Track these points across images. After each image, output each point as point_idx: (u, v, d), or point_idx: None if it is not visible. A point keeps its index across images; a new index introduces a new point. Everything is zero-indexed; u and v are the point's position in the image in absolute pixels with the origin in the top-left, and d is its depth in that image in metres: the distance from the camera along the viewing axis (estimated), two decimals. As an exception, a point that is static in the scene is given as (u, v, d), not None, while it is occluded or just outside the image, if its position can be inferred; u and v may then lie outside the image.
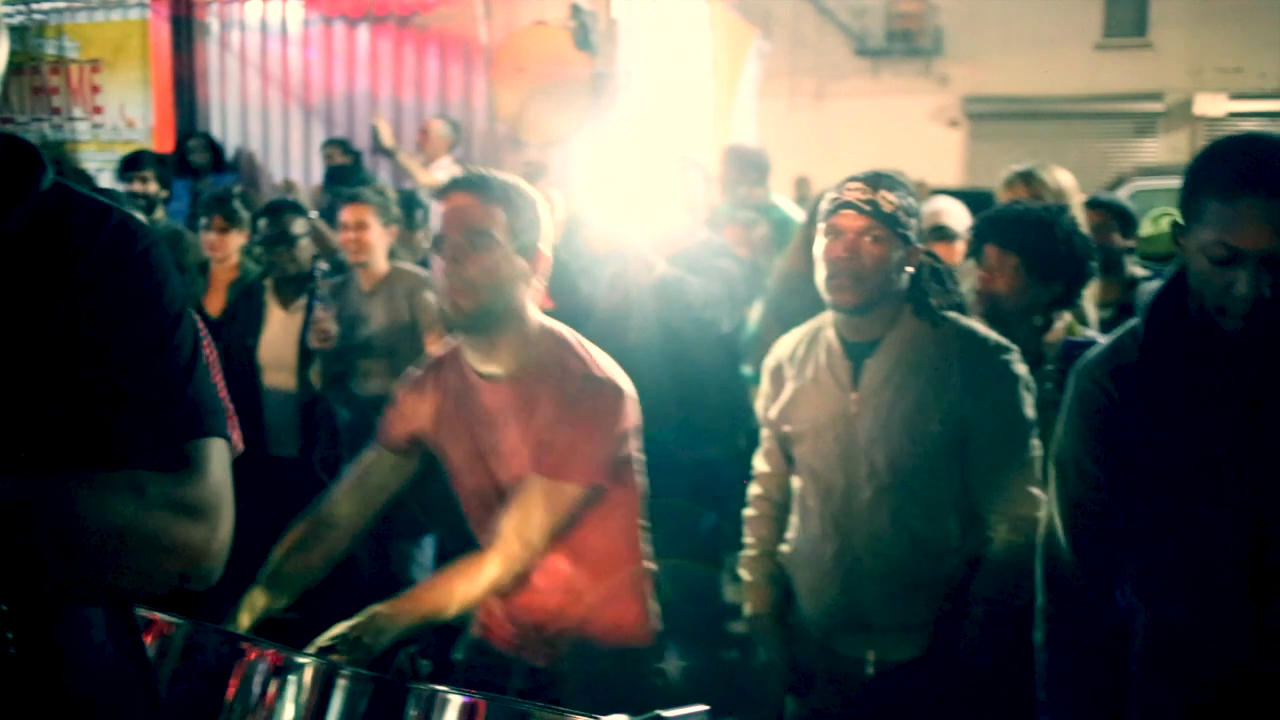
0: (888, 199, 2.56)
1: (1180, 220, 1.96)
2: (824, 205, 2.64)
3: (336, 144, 7.72)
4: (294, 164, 8.39)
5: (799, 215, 6.19)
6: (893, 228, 2.57)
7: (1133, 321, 2.11)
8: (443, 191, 2.39)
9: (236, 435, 3.07)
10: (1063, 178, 3.95)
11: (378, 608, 2.24)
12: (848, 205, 2.56)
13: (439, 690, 1.90)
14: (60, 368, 1.29)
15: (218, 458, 1.35)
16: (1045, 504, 2.33)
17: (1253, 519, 1.97)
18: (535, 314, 2.45)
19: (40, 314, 1.30)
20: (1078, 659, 2.17)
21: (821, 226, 2.62)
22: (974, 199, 5.11)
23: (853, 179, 2.60)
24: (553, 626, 2.51)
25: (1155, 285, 2.10)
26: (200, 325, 1.60)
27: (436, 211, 2.38)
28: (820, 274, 2.61)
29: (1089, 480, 2.13)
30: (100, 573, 1.26)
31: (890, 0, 19.19)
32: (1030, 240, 2.98)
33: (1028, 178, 3.94)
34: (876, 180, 2.59)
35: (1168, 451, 2.02)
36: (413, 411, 2.56)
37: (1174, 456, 2.02)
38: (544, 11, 7.69)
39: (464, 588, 2.34)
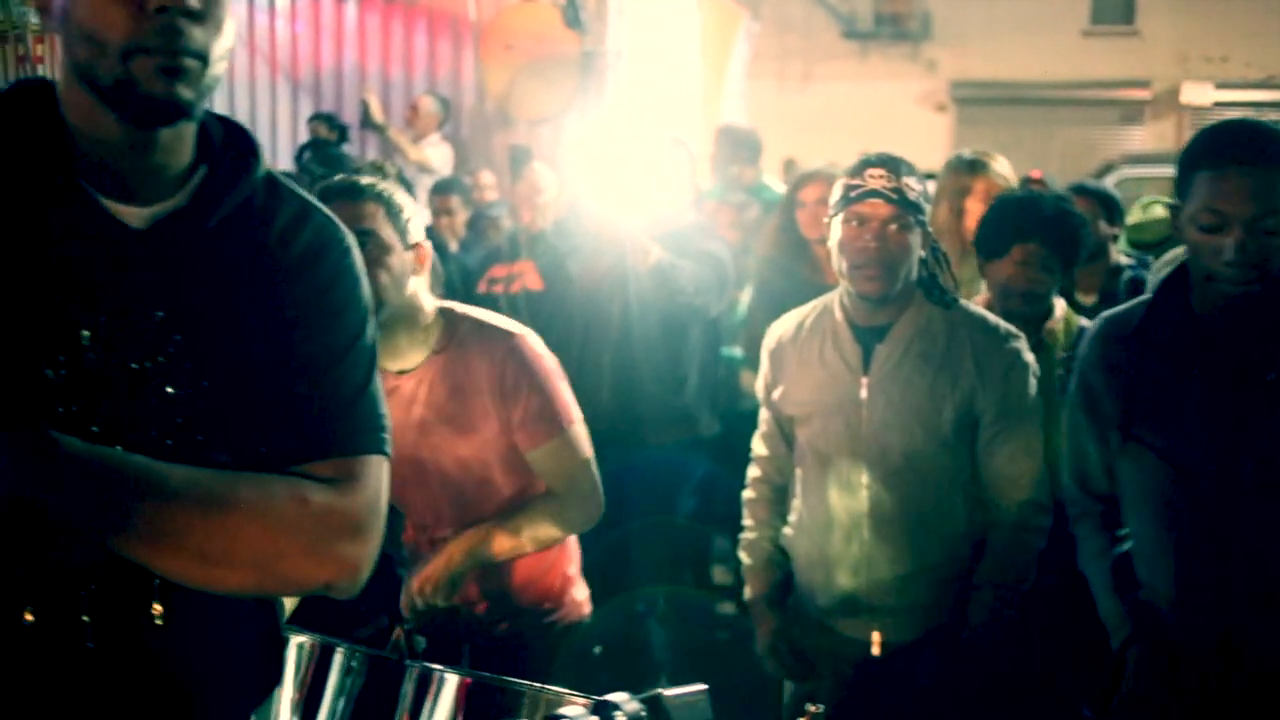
0: (910, 186, 2.55)
1: (1177, 201, 2.09)
2: (840, 191, 2.61)
3: (323, 119, 7.65)
4: (281, 138, 8.32)
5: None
6: (915, 214, 2.56)
7: (1148, 295, 2.25)
8: None
9: None
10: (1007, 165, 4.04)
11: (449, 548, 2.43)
12: (874, 194, 2.53)
13: (433, 668, 1.91)
14: (245, 364, 1.32)
15: (379, 475, 1.37)
16: (1048, 487, 2.54)
17: (1228, 496, 2.07)
18: (428, 301, 2.50)
19: (234, 306, 1.32)
20: (1097, 537, 2.39)
21: (841, 214, 2.58)
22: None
23: (869, 164, 2.57)
24: (521, 593, 2.57)
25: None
26: None
27: None
28: (843, 262, 2.59)
29: (1085, 432, 2.31)
30: (252, 572, 1.28)
31: (878, -17, 19.16)
32: (1069, 238, 3.04)
33: (983, 166, 3.97)
34: (897, 166, 2.56)
35: (1157, 420, 2.14)
36: None
37: (1160, 426, 2.13)
38: (533, -12, 7.66)
39: (536, 531, 2.49)
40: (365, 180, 2.45)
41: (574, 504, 2.53)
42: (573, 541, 2.70)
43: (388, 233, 2.37)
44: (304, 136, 7.93)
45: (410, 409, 2.48)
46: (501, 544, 2.45)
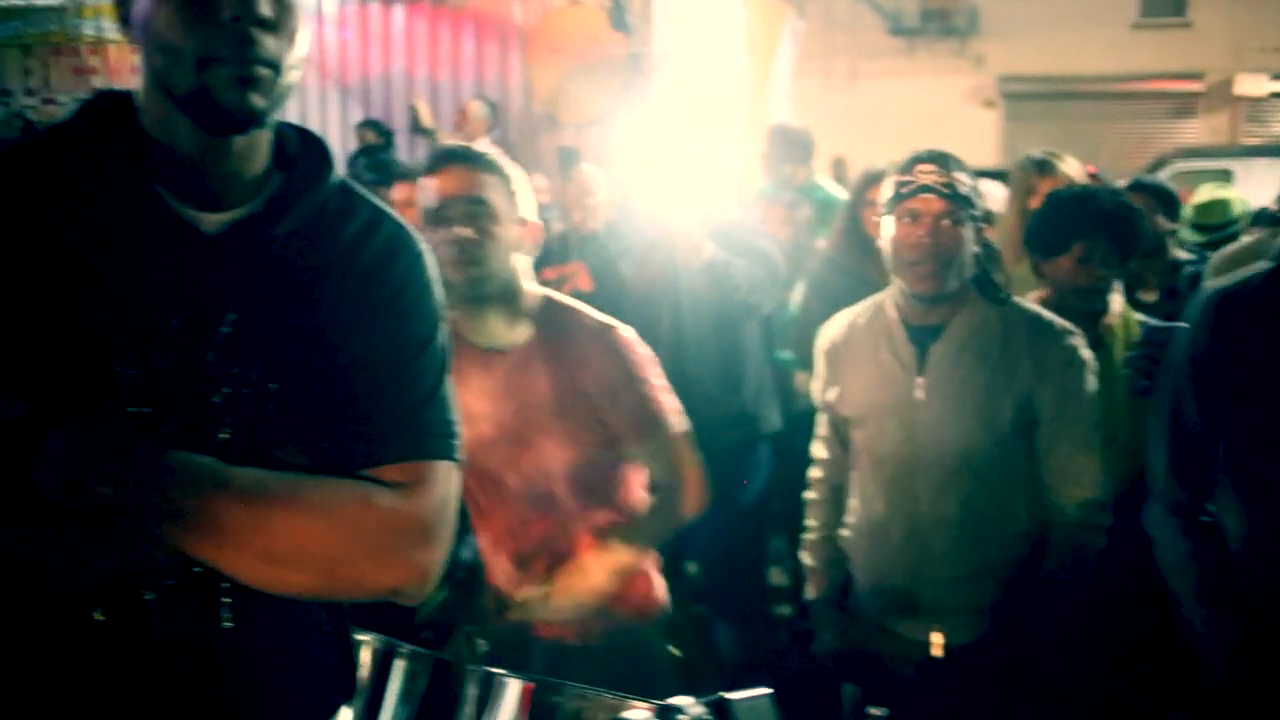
0: (962, 180, 2.53)
1: None
2: (891, 188, 2.59)
3: (370, 125, 7.72)
4: (332, 144, 8.36)
5: (842, 195, 6.16)
6: (968, 209, 2.54)
7: (1264, 263, 2.17)
8: (434, 165, 2.41)
9: None
10: (1075, 166, 3.98)
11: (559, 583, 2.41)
12: (926, 189, 2.52)
13: (496, 673, 1.91)
14: (315, 367, 1.34)
15: (447, 480, 1.38)
16: (1108, 485, 2.47)
17: None
18: (529, 281, 2.48)
19: (304, 310, 1.34)
20: (1188, 539, 2.23)
21: (895, 210, 2.57)
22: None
23: (919, 160, 2.56)
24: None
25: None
26: None
27: (429, 185, 2.39)
28: (897, 259, 2.57)
29: (1189, 405, 2.20)
30: (318, 574, 1.29)
31: (924, -21, 19.03)
32: (1129, 233, 3.01)
33: (1051, 168, 3.92)
34: (947, 161, 2.55)
35: (1266, 392, 2.07)
36: None
37: (1269, 398, 2.06)
38: (579, -9, 7.69)
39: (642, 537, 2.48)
40: (484, 151, 2.45)
41: (680, 496, 2.51)
42: None
43: (499, 203, 2.37)
44: (354, 143, 8.01)
45: (496, 390, 2.43)
46: (629, 557, 2.46)
